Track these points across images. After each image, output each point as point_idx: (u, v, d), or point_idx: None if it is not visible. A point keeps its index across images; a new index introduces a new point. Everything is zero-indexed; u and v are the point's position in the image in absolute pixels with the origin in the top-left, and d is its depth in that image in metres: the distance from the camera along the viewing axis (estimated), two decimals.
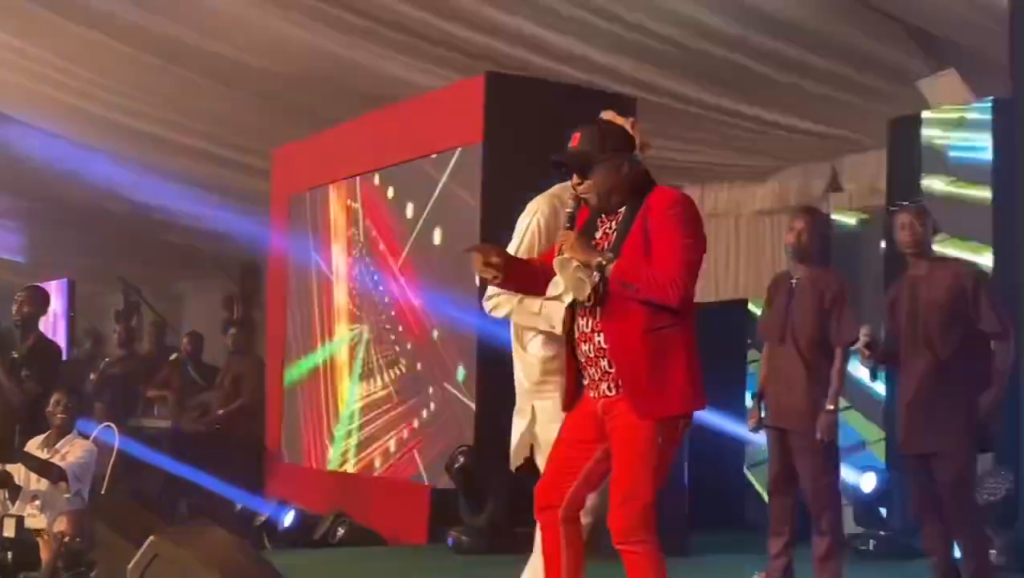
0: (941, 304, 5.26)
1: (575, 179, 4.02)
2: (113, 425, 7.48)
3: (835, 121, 9.29)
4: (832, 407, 5.71)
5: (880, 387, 7.57)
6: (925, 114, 7.86)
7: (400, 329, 8.81)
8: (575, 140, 4.05)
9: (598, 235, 4.03)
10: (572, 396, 4.09)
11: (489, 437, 7.65)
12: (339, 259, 9.69)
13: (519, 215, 4.37)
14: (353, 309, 9.46)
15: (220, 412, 10.09)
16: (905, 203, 5.52)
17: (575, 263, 3.90)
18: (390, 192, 9.03)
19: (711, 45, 8.14)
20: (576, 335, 4.03)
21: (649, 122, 8.48)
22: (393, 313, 8.92)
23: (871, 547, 7.38)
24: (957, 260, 6.22)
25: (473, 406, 7.85)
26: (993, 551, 6.95)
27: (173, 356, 11.19)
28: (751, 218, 11.05)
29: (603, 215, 4.05)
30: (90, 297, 16.80)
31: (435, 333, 8.39)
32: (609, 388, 3.95)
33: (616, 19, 7.96)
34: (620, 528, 3.87)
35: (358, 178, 9.40)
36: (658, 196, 3.96)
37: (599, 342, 3.94)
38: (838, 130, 9.44)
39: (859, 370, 6.35)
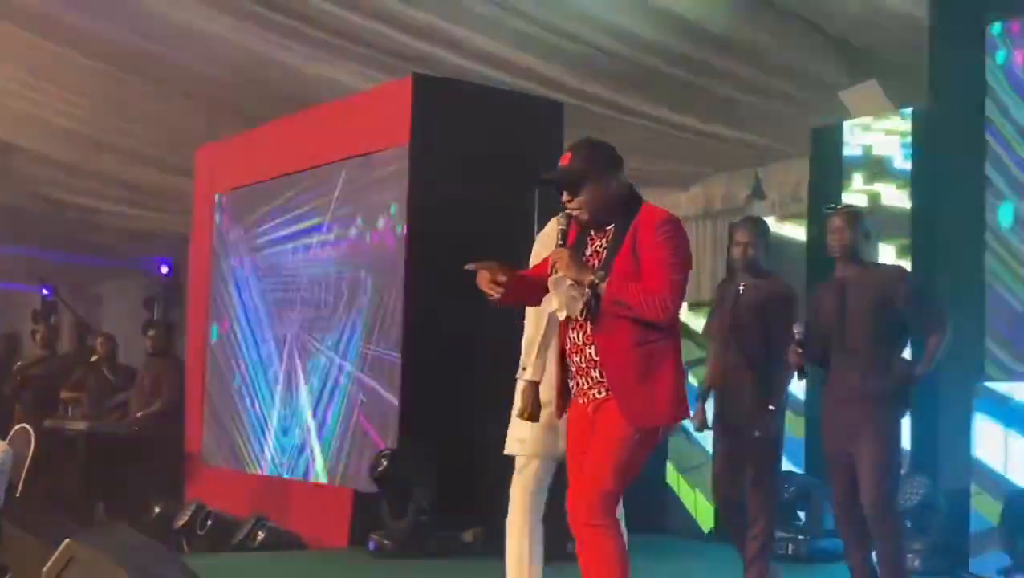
0: (870, 307, 5.30)
1: (565, 196, 4.13)
2: (29, 427, 7.35)
3: (759, 129, 9.40)
4: (773, 407, 5.81)
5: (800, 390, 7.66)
6: (846, 123, 7.97)
7: (323, 330, 8.75)
8: (566, 158, 4.16)
9: (588, 252, 4.15)
10: (562, 402, 4.24)
11: (413, 439, 7.64)
12: (260, 259, 9.61)
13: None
14: (273, 309, 9.38)
15: (139, 414, 9.96)
16: (837, 206, 5.55)
17: (568, 281, 4.01)
18: (315, 192, 8.97)
19: (638, 52, 8.20)
20: (568, 346, 4.16)
21: (575, 128, 8.62)
22: (316, 313, 8.86)
23: (788, 551, 7.45)
24: (888, 265, 6.30)
25: (397, 406, 7.81)
26: (910, 555, 7.08)
27: (93, 358, 11.02)
28: None
29: (592, 232, 4.17)
30: (7, 297, 16.53)
31: (360, 333, 8.35)
32: (599, 393, 4.09)
33: (544, 25, 7.99)
34: (578, 510, 4.03)
35: (282, 178, 9.34)
36: (647, 215, 4.09)
37: (590, 354, 4.08)
38: (762, 138, 9.56)
39: None
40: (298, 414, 8.95)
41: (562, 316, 4.09)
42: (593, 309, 4.00)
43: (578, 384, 4.15)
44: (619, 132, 9.55)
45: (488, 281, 4.05)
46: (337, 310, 8.64)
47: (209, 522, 8.50)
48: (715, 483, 5.99)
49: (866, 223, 5.46)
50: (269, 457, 9.23)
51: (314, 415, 8.76)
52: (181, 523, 8.61)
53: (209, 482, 9.66)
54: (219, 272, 10.19)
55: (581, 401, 4.15)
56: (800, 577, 6.79)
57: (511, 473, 4.96)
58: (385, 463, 7.46)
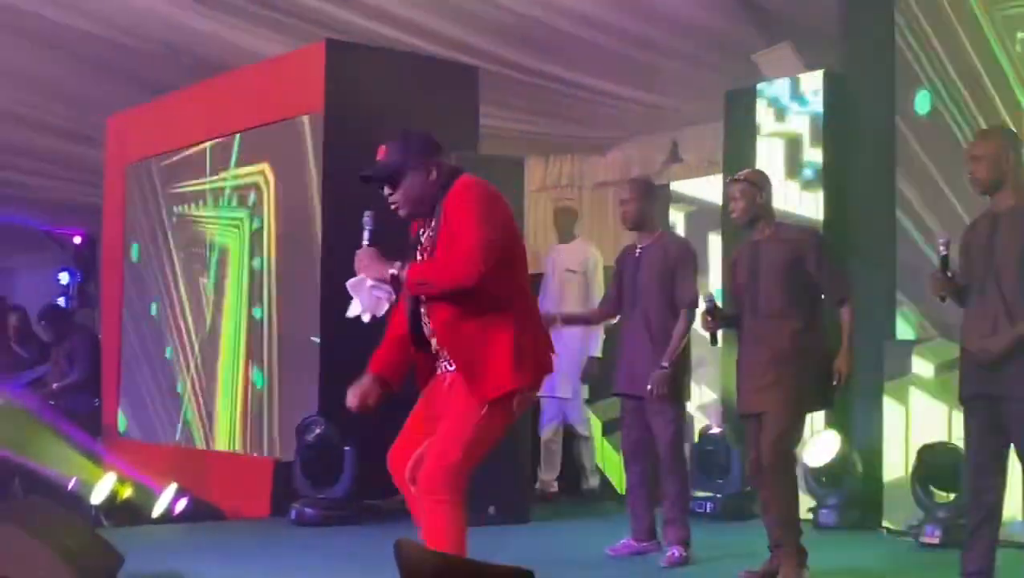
0: (781, 267, 5.33)
1: (387, 190, 4.12)
2: None
3: (674, 93, 9.45)
4: (666, 365, 5.87)
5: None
6: (760, 86, 8.04)
7: (242, 295, 8.67)
8: (381, 152, 4.15)
9: (423, 240, 4.15)
10: (425, 373, 4.24)
11: (335, 407, 7.59)
12: (173, 228, 9.49)
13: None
14: (189, 277, 9.28)
15: (54, 386, 9.83)
16: (737, 176, 5.59)
17: (369, 282, 4.01)
18: (228, 160, 8.87)
19: (552, 16, 8.18)
20: (424, 322, 4.18)
21: (491, 92, 8.61)
22: (233, 279, 8.78)
23: (707, 509, 7.55)
24: (800, 226, 6.36)
25: (318, 374, 7.76)
26: (824, 510, 7.21)
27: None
28: (593, 190, 11.19)
29: (423, 222, 4.17)
30: None
31: (280, 298, 8.28)
32: (449, 363, 4.12)
33: None
34: (424, 482, 4.05)
35: (198, 145, 9.21)
36: (454, 188, 4.08)
37: (431, 329, 4.13)
38: (677, 102, 9.61)
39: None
40: (216, 383, 8.87)
41: (366, 318, 4.07)
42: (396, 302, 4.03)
43: (433, 346, 4.19)
44: (535, 96, 9.58)
45: (360, 407, 4.19)
46: (254, 279, 8.55)
47: (127, 495, 8.42)
48: (628, 454, 6.20)
49: (766, 187, 5.50)
50: (186, 428, 9.15)
51: (232, 383, 8.69)
52: (99, 497, 8.51)
53: (127, 454, 9.54)
54: (133, 242, 10.04)
55: (437, 365, 4.19)
56: (720, 534, 6.89)
57: None
58: (317, 430, 7.39)
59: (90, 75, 9.75)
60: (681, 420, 6.10)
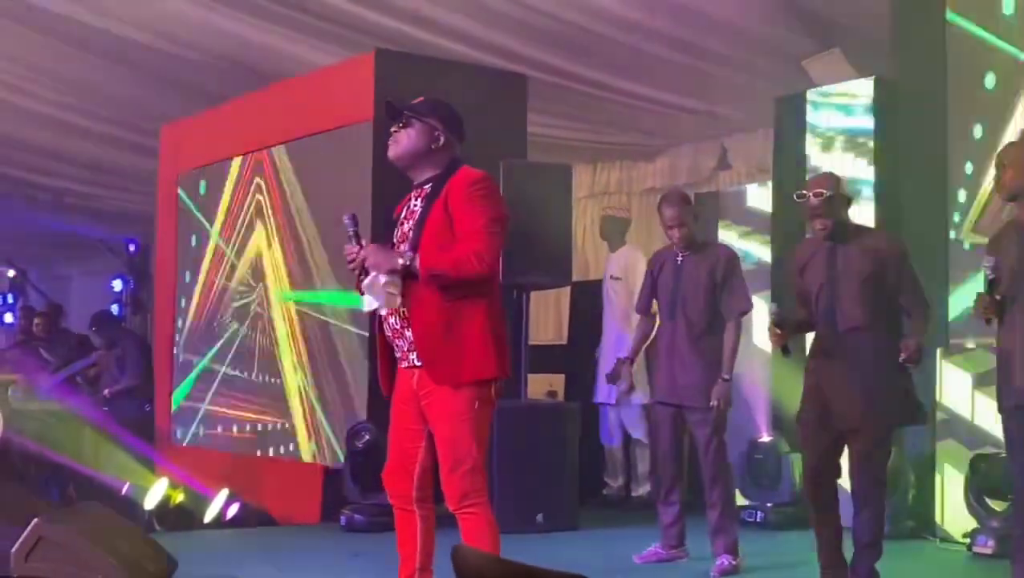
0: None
1: (395, 127, 4.21)
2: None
3: (724, 100, 9.42)
4: (728, 377, 5.85)
5: None
6: (810, 93, 8.00)
7: (295, 303, 8.74)
8: (419, 97, 4.26)
9: (399, 231, 4.20)
10: (387, 376, 4.27)
11: (383, 414, 7.63)
12: (228, 237, 9.57)
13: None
14: (242, 287, 9.36)
15: (106, 392, 9.94)
16: (804, 193, 5.23)
17: (383, 279, 4.03)
18: (281, 169, 8.93)
19: (599, 23, 8.18)
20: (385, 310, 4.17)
21: (540, 101, 8.63)
22: (286, 288, 8.84)
23: (757, 518, 7.52)
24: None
25: (366, 382, 7.80)
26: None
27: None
28: (642, 196, 11.17)
29: (413, 194, 4.22)
30: None
31: (328, 310, 8.34)
32: (418, 357, 4.11)
33: None
34: (454, 495, 4.07)
35: (248, 156, 9.29)
36: (460, 177, 4.14)
37: (404, 313, 4.11)
38: (726, 109, 9.57)
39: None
40: (268, 390, 8.93)
41: (384, 311, 4.12)
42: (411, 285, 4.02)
43: (398, 347, 4.19)
44: (584, 104, 9.59)
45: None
46: (311, 283, 8.62)
47: (180, 500, 8.49)
48: (662, 459, 6.20)
49: (844, 193, 5.25)
50: (241, 434, 9.22)
51: (284, 391, 8.75)
52: (152, 501, 8.59)
53: (180, 460, 9.63)
54: (186, 250, 10.14)
55: (404, 365, 4.19)
56: (774, 544, 6.86)
57: None
58: (367, 436, 7.41)
59: (145, 85, 9.87)
60: (724, 429, 6.07)
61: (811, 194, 5.14)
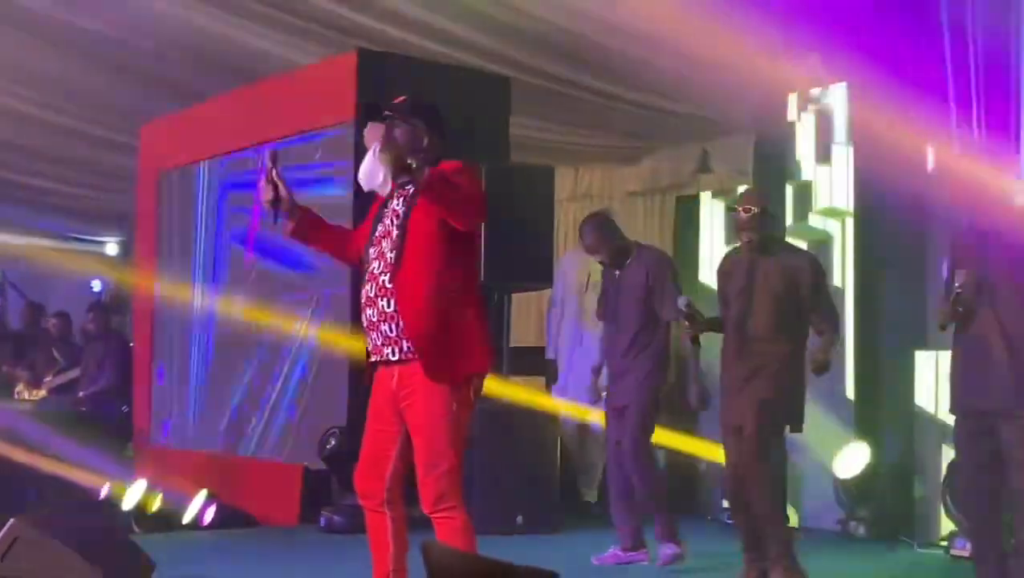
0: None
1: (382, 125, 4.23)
2: None
3: (704, 103, 9.41)
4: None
5: None
6: (791, 96, 8.01)
7: (272, 306, 8.70)
8: (401, 96, 4.28)
9: (381, 227, 4.21)
10: (369, 368, 4.28)
11: (363, 415, 7.60)
12: (208, 235, 9.54)
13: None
14: (222, 285, 9.32)
15: (80, 394, 9.88)
16: (736, 206, 5.60)
17: (376, 149, 4.12)
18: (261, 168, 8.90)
19: (583, 26, 8.18)
20: (362, 301, 4.19)
21: (523, 102, 8.62)
22: (265, 288, 8.82)
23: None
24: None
25: (346, 381, 7.78)
26: (854, 522, 7.16)
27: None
28: (624, 199, 11.17)
29: (395, 194, 4.22)
30: None
31: (308, 309, 8.32)
32: (393, 353, 4.11)
33: None
34: (429, 497, 4.07)
35: (228, 155, 9.27)
36: (445, 164, 4.14)
37: (382, 307, 4.10)
38: (707, 112, 9.57)
39: None
40: (247, 391, 8.90)
41: (365, 185, 4.20)
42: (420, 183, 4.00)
43: (372, 340, 4.18)
44: (566, 106, 9.56)
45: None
46: (289, 286, 8.59)
47: (158, 501, 8.46)
48: (612, 462, 6.39)
49: (771, 211, 5.56)
50: (218, 435, 9.18)
51: (263, 391, 8.73)
52: (130, 503, 8.56)
53: (158, 461, 9.60)
54: (166, 249, 10.11)
55: (375, 359, 4.19)
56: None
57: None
58: (333, 442, 7.42)
59: (125, 84, 9.81)
60: (650, 413, 6.19)
61: (740, 209, 5.49)
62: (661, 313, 6.13)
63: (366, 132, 4.32)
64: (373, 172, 4.12)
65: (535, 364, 9.82)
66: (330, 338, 7.99)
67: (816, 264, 5.61)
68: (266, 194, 4.21)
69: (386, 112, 4.24)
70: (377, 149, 4.12)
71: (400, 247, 4.09)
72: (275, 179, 4.21)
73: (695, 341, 5.53)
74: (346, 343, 7.73)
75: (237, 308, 9.06)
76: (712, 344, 5.64)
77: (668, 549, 6.08)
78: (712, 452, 7.36)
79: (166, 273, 10.08)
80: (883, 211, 7.52)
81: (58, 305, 12.10)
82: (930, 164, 7.16)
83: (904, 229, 7.40)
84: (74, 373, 10.23)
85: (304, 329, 8.36)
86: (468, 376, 4.11)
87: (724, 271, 5.67)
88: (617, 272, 6.28)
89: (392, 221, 4.17)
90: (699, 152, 10.47)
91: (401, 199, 4.21)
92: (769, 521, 5.36)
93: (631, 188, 11.16)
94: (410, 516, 4.30)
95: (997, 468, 4.79)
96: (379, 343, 4.15)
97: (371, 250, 4.21)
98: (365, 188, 4.22)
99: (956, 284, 4.80)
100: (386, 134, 4.14)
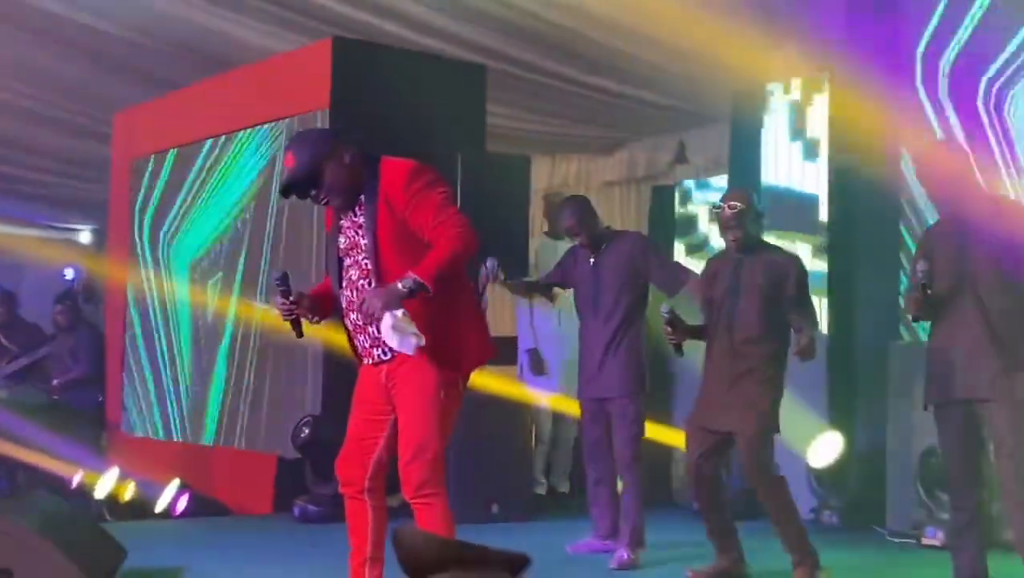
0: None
1: (313, 194, 4.10)
2: None
3: (681, 93, 9.42)
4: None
5: None
6: (768, 86, 8.02)
7: (244, 294, 8.67)
8: (289, 160, 4.11)
9: (344, 240, 4.13)
10: (359, 362, 4.26)
11: (337, 404, 7.60)
12: (183, 225, 9.50)
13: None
14: (193, 273, 9.28)
15: (55, 382, 9.82)
16: (719, 204, 5.53)
17: (399, 313, 3.92)
18: (234, 157, 8.87)
19: (559, 15, 8.16)
20: (344, 305, 4.17)
21: (499, 91, 8.60)
22: (238, 278, 8.78)
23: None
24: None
25: (321, 371, 7.76)
26: (827, 512, 7.19)
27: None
28: (600, 189, 11.17)
29: (343, 215, 4.13)
30: None
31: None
32: (383, 353, 4.09)
33: None
34: (411, 483, 4.05)
35: (204, 142, 9.22)
36: (389, 174, 4.05)
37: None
38: (684, 103, 9.57)
39: None
40: (220, 380, 8.87)
41: (422, 341, 3.97)
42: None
43: (359, 344, 4.17)
44: (543, 96, 9.56)
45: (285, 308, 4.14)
46: (259, 274, 8.56)
47: (130, 490, 8.43)
48: (589, 454, 6.32)
49: (755, 208, 5.47)
50: (191, 424, 9.15)
51: (236, 381, 8.70)
52: (102, 492, 8.52)
53: (131, 450, 9.56)
54: (138, 237, 10.05)
55: (368, 361, 4.18)
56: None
57: None
58: (307, 431, 7.41)
59: (99, 72, 9.74)
60: (641, 418, 6.13)
61: (725, 206, 5.42)
62: (665, 287, 6.03)
63: (368, 305, 3.97)
64: (406, 342, 3.95)
65: (511, 353, 9.81)
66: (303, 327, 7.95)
67: (800, 263, 5.58)
68: (286, 314, 4.18)
69: (293, 196, 4.13)
70: (388, 325, 3.94)
71: (374, 251, 4.04)
72: (290, 301, 4.18)
73: (678, 349, 5.35)
74: (320, 332, 7.73)
75: (210, 296, 9.02)
76: (693, 350, 5.61)
77: (625, 554, 5.96)
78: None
79: (138, 261, 10.02)
80: (858, 201, 7.54)
81: (31, 293, 12.02)
82: (905, 154, 7.21)
83: (878, 220, 7.42)
84: (26, 360, 10.04)
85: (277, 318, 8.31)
86: (461, 365, 4.11)
87: (709, 273, 5.61)
88: (592, 259, 6.20)
89: (356, 232, 4.11)
90: (675, 143, 10.48)
91: (360, 218, 4.11)
92: (787, 524, 5.33)
93: (608, 178, 11.18)
94: (388, 506, 4.29)
95: (982, 453, 4.86)
96: (367, 345, 4.14)
97: (344, 261, 4.16)
98: (412, 353, 4.01)
99: (918, 271, 4.77)
100: (382, 302, 3.92)
